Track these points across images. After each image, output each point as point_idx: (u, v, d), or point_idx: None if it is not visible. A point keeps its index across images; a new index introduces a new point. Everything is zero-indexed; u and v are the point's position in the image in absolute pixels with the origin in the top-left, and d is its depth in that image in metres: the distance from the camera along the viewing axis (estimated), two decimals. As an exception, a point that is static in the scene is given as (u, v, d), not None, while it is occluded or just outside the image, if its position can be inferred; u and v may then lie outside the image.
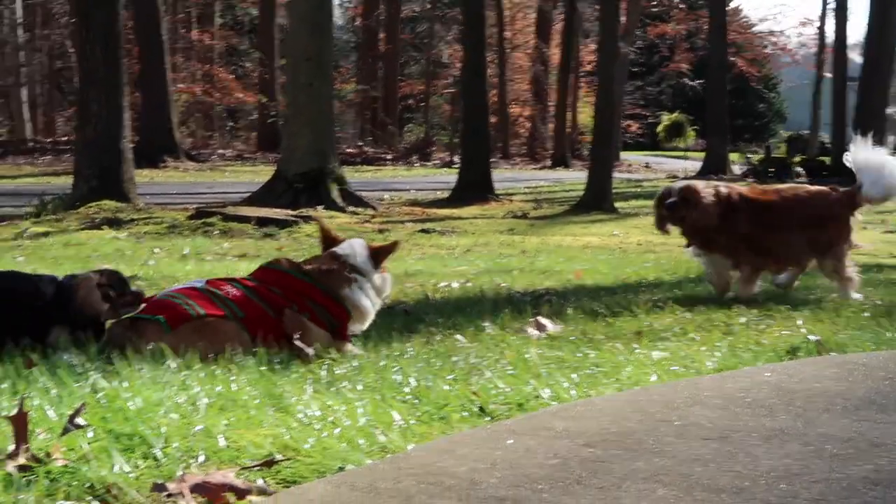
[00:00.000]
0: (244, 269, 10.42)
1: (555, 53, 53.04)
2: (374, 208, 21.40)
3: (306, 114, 20.97)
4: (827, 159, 41.04)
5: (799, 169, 38.40)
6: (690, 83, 53.63)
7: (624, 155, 52.57)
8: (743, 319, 6.49)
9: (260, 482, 2.95)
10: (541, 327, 6.18)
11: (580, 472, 2.63)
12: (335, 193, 20.91)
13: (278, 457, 3.15)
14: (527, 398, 4.02)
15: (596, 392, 4.11)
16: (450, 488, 2.54)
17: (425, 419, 3.75)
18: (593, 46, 52.49)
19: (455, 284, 8.99)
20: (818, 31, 52.06)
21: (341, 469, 2.99)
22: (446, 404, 3.92)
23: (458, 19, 48.09)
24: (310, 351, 4.99)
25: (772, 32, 61.77)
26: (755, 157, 42.65)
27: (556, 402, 3.90)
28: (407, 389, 4.17)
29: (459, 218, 21.20)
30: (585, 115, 53.22)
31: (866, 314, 6.68)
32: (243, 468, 3.06)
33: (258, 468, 3.06)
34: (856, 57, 45.68)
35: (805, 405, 3.23)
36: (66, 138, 44.19)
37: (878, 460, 2.68)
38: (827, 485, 2.51)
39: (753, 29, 61.87)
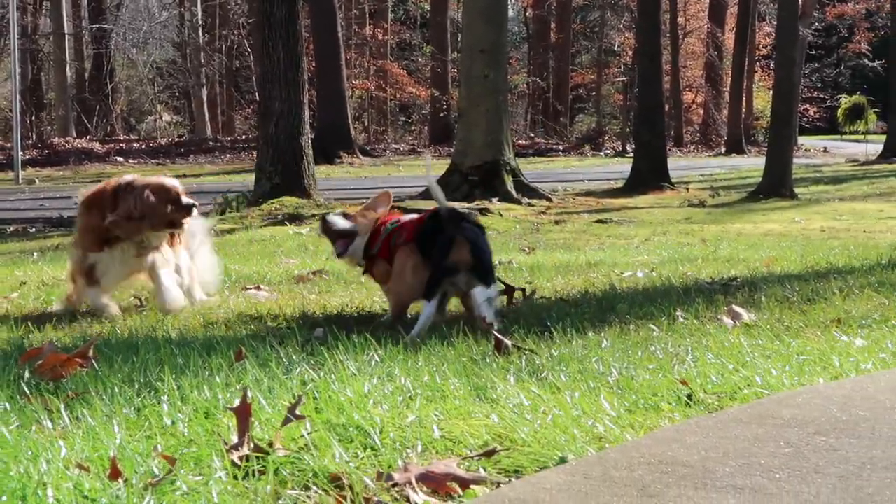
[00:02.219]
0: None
1: (729, 38, 52.14)
2: (549, 199, 21.35)
3: (481, 106, 21.04)
4: None
5: None
6: (871, 64, 52.10)
7: (801, 139, 51.37)
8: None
9: (482, 472, 2.95)
10: (735, 316, 6.07)
11: (816, 460, 2.57)
12: (510, 185, 20.93)
13: (497, 447, 3.15)
14: (738, 387, 3.95)
15: (806, 380, 4.02)
16: (685, 476, 2.50)
17: (633, 408, 3.71)
18: (769, 29, 51.56)
19: (640, 274, 8.89)
20: None
21: (563, 459, 2.97)
22: (655, 393, 3.88)
23: (629, 7, 47.73)
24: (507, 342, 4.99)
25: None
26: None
27: (767, 390, 3.82)
28: (611, 379, 4.14)
29: (635, 207, 21.04)
30: (761, 100, 52.26)
31: None
32: (464, 458, 3.07)
33: (478, 458, 3.06)
34: None
35: None
36: (244, 136, 45.25)
37: None
38: None
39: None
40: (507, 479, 2.88)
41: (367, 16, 54.58)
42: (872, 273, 8.44)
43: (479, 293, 5.66)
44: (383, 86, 51.83)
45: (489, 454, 3.07)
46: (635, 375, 4.18)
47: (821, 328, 5.59)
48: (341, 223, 6.33)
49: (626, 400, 3.81)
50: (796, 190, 23.95)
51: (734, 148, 46.23)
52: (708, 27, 53.40)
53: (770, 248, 12.58)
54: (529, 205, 20.37)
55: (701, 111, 54.77)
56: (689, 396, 3.86)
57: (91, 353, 4.48)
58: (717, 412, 3.39)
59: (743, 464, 2.59)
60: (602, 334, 5.41)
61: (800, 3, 41.29)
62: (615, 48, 56.25)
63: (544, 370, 4.32)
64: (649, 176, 25.27)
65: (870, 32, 53.51)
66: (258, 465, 2.93)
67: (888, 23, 41.57)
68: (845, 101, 53.69)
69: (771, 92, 27.76)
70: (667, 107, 47.18)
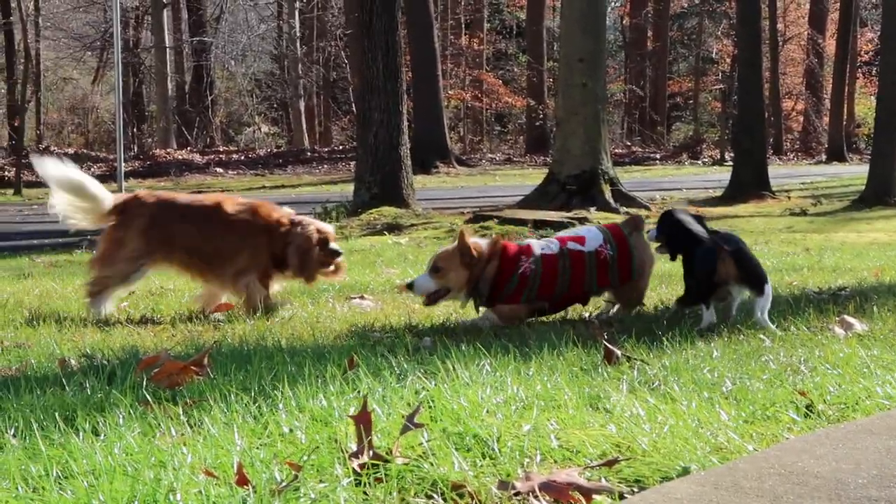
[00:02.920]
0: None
1: (829, 44, 51.40)
2: (647, 208, 21.19)
3: (579, 115, 20.98)
4: None
5: None
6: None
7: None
8: None
9: (603, 482, 2.93)
10: (847, 326, 5.97)
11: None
12: (608, 194, 20.82)
13: (619, 456, 3.13)
14: (858, 398, 3.89)
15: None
16: (817, 488, 2.46)
17: (751, 419, 3.67)
18: (871, 35, 50.74)
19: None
20: None
21: (686, 469, 2.94)
22: (773, 403, 3.83)
23: (727, 14, 47.28)
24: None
25: None
26: None
27: (887, 401, 3.75)
28: (724, 389, 4.09)
29: (736, 216, 20.81)
30: (862, 106, 51.41)
31: None
32: (585, 468, 3.05)
33: (599, 467, 3.04)
34: None
35: None
36: (341, 147, 45.60)
37: None
38: None
39: None
40: (629, 490, 2.86)
41: (463, 26, 54.72)
42: None
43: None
44: (479, 95, 51.90)
45: (610, 464, 3.04)
46: (749, 386, 4.13)
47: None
48: None
49: (743, 410, 3.77)
50: (905, 198, 23.51)
51: (835, 156, 45.53)
52: (808, 33, 52.70)
53: (876, 257, 12.36)
54: (627, 214, 20.22)
55: (801, 118, 54.05)
56: (808, 407, 3.80)
57: (206, 361, 4.53)
58: (846, 423, 3.33)
59: (876, 475, 2.54)
60: (712, 344, 5.35)
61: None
62: (713, 55, 55.76)
63: (657, 380, 4.29)
64: (749, 184, 24.98)
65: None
66: (378, 472, 2.94)
67: None
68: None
69: (874, 98, 27.25)
70: (766, 114, 46.78)
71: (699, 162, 44.65)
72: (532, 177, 29.75)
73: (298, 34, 48.34)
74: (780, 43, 50.96)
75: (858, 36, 49.28)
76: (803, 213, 21.62)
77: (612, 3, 59.03)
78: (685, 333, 5.63)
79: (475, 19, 54.92)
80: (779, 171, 36.59)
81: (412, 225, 17.40)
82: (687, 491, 2.60)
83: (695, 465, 2.98)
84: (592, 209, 19.88)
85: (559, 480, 2.82)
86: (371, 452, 3.06)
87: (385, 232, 16.91)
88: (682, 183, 31.96)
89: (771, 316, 6.23)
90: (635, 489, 2.86)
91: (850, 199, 23.88)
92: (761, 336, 5.60)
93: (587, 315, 6.80)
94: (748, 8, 26.04)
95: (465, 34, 54.10)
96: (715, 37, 54.94)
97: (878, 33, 29.25)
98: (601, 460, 3.08)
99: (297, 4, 47.64)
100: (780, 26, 51.31)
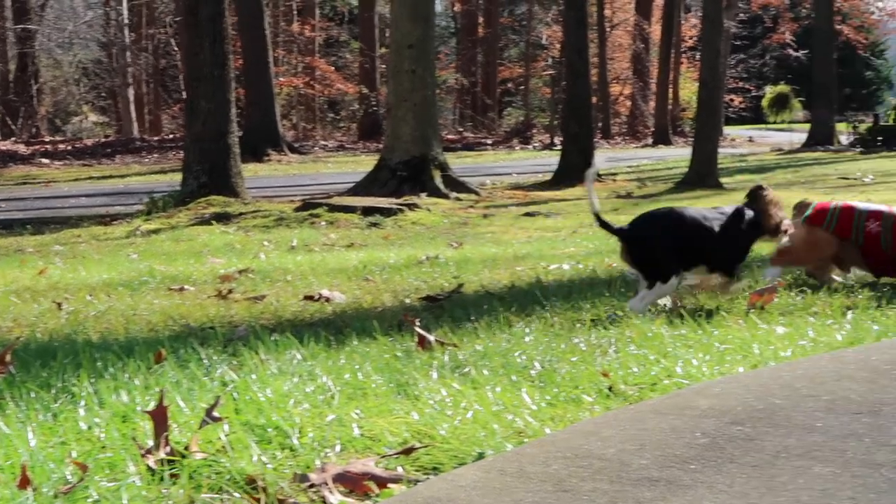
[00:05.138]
0: (354, 258, 10.50)
1: (655, 29, 52.51)
2: (476, 193, 21.38)
3: (409, 101, 21.04)
4: (939, 125, 40.09)
5: (911, 136, 37.56)
6: (795, 54, 52.69)
7: (727, 129, 51.88)
8: (861, 296, 6.32)
9: (399, 470, 2.92)
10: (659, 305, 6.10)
11: (731, 450, 2.57)
12: (438, 180, 20.94)
13: (416, 444, 3.13)
14: (658, 378, 3.96)
15: (726, 369, 4.03)
16: (600, 470, 2.49)
17: (555, 402, 3.70)
18: (694, 21, 51.93)
19: (566, 266, 8.90)
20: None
21: (481, 455, 2.95)
22: (576, 386, 3.87)
23: (556, 0, 47.87)
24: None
25: (879, -3, 60.49)
26: (863, 127, 41.78)
27: (688, 380, 3.83)
28: (533, 372, 4.13)
29: (563, 200, 21.12)
30: (687, 91, 52.63)
31: None
32: (382, 456, 3.04)
33: (396, 456, 3.03)
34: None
35: (956, 377, 3.13)
36: (171, 136, 44.85)
37: None
38: None
39: (859, -5, 60.63)
40: (425, 477, 2.86)
41: (295, 13, 54.28)
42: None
43: None
44: (311, 82, 51.55)
45: (407, 452, 3.04)
46: (558, 368, 4.17)
47: (742, 316, 5.61)
48: None
49: (547, 393, 3.80)
50: (722, 179, 24.17)
51: (661, 139, 46.57)
52: (635, 19, 53.73)
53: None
54: (458, 199, 20.38)
55: (628, 103, 55.12)
56: (611, 388, 3.85)
57: (8, 358, 4.40)
58: (637, 404, 3.38)
59: (659, 455, 2.58)
60: (527, 328, 5.40)
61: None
62: (543, 42, 56.42)
63: (468, 365, 4.30)
64: (577, 168, 25.22)
65: (794, 22, 54.09)
66: (175, 469, 2.88)
67: (811, 13, 42.03)
68: (770, 90, 54.38)
69: (697, 83, 27.97)
70: (594, 99, 47.50)
71: (530, 147, 45.16)
72: (365, 163, 29.71)
73: (127, 21, 47.32)
74: (608, 29, 51.87)
75: (683, 21, 50.38)
76: (629, 195, 22.06)
77: (444, -11, 59.38)
78: (501, 318, 5.67)
79: (307, 6, 54.49)
80: (607, 155, 37.31)
81: (241, 214, 17.20)
82: (472, 477, 2.61)
83: (491, 450, 3.00)
84: (423, 195, 19.98)
85: (354, 471, 2.80)
86: (168, 448, 3.00)
87: (213, 221, 16.67)
88: (513, 168, 32.28)
89: (586, 297, 6.34)
90: (432, 477, 2.86)
91: (673, 182, 24.46)
92: (576, 318, 5.68)
93: (408, 300, 6.82)
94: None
95: (297, 21, 53.66)
96: (545, 23, 55.58)
97: (701, 18, 29.95)
98: (400, 448, 3.07)
99: (125, -9, 46.70)
100: (607, 12, 52.20)
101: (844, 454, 2.51)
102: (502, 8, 56.94)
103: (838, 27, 47.77)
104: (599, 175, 25.63)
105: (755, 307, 5.90)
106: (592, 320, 5.62)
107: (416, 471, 2.95)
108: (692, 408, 3.01)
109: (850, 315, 5.49)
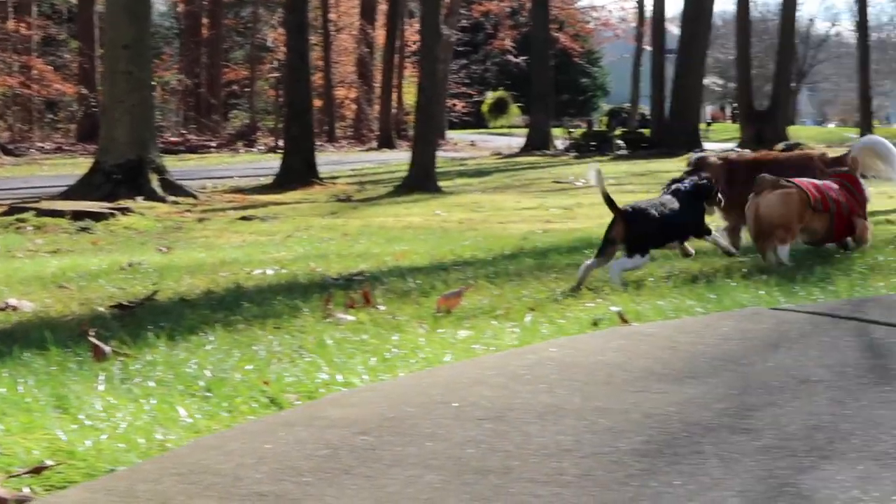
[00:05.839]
0: (54, 264, 10.15)
1: (380, 34, 52.89)
2: (194, 197, 21.06)
3: (125, 103, 20.55)
4: (647, 131, 41.89)
5: (619, 142, 39.07)
6: (515, 60, 53.97)
7: (450, 134, 52.77)
8: (551, 293, 6.51)
9: (26, 490, 2.81)
10: (350, 311, 6.12)
11: (349, 461, 2.57)
12: (155, 183, 20.54)
13: (49, 462, 3.01)
14: (318, 386, 3.94)
15: (391, 375, 4.06)
16: (210, 486, 2.45)
17: (213, 413, 3.64)
18: (418, 26, 52.57)
19: (269, 271, 8.86)
20: (637, 5, 53.17)
21: (112, 471, 2.86)
22: (237, 396, 3.83)
23: (281, 2, 47.61)
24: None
25: (593, 7, 62.52)
26: (577, 132, 43.29)
27: (346, 388, 3.83)
28: (201, 383, 4.05)
29: (282, 203, 21.03)
30: (411, 95, 53.19)
31: (669, 283, 6.75)
32: (11, 476, 2.92)
33: (27, 475, 2.91)
34: (674, 28, 46.73)
35: (586, 379, 3.23)
36: None
37: (649, 431, 2.69)
38: (596, 459, 2.50)
39: (576, 5, 62.55)
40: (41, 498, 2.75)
41: (11, 9, 52.12)
42: (493, 264, 8.69)
43: None
44: (28, 83, 49.61)
45: (38, 470, 2.93)
46: (229, 378, 4.11)
47: (430, 320, 5.67)
48: None
49: (208, 404, 3.74)
50: (442, 183, 24.53)
51: (385, 142, 46.96)
52: (359, 24, 54.00)
53: (408, 241, 12.80)
54: (175, 203, 20.03)
55: (354, 107, 55.34)
56: (272, 399, 3.82)
57: None
58: (271, 415, 3.36)
59: (275, 468, 2.56)
60: (211, 335, 5.32)
61: (447, 0, 42.34)
62: (269, 44, 56.03)
63: (138, 376, 4.20)
64: (299, 171, 25.32)
65: (513, 30, 55.35)
66: None
67: (530, 20, 43.19)
68: (490, 96, 55.63)
69: (418, 88, 28.34)
70: (320, 102, 47.46)
71: (254, 150, 44.81)
72: (84, 166, 28.73)
73: None
74: (333, 32, 51.99)
75: (407, 27, 50.94)
76: (348, 198, 22.15)
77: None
78: (191, 326, 5.58)
79: (23, 3, 52.44)
80: (331, 158, 37.35)
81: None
82: (75, 498, 2.53)
83: (123, 466, 2.92)
84: (139, 198, 19.56)
85: (-24, 493, 2.68)
86: None
87: None
88: (236, 170, 31.94)
89: (281, 303, 6.31)
90: (36, 499, 2.75)
91: (394, 185, 24.66)
92: (263, 324, 5.63)
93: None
94: (294, -3, 26.40)
95: (13, 18, 51.55)
96: (271, 25, 55.23)
97: (420, 25, 30.39)
98: (33, 467, 2.96)
99: None
100: (332, 16, 52.31)
101: (459, 461, 2.55)
102: (227, 9, 56.29)
103: (555, 35, 49.26)
104: (320, 178, 25.64)
105: (441, 311, 5.99)
106: (276, 327, 5.58)
107: (46, 491, 2.84)
108: (323, 418, 3.00)
109: (528, 317, 5.62)
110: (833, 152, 9.30)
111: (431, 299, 6.49)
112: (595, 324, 5.32)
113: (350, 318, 5.92)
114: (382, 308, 6.24)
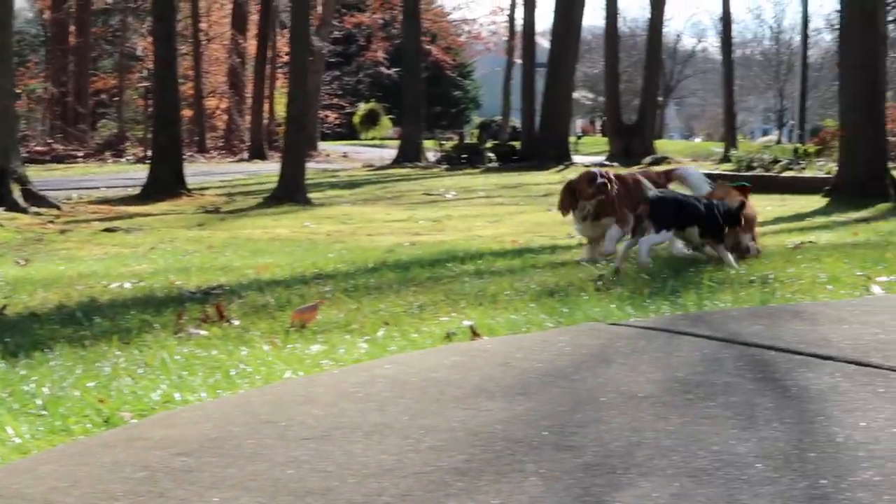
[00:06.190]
0: None
1: (252, 44, 52.43)
2: (58, 208, 20.64)
3: (-15, 112, 20.07)
4: (517, 144, 42.20)
5: (491, 154, 39.32)
6: (387, 72, 53.98)
7: (323, 145, 52.51)
8: (408, 307, 6.51)
9: None
10: (204, 326, 6.04)
11: (166, 483, 2.53)
12: (17, 194, 20.06)
13: None
14: (155, 404, 3.88)
15: (232, 392, 4.01)
16: (18, 511, 2.39)
17: (47, 433, 3.56)
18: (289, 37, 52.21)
19: (127, 285, 8.71)
20: (508, 19, 53.59)
21: None
22: (71, 415, 3.74)
23: (150, 11, 46.97)
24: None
25: (465, 21, 62.80)
26: (449, 144, 43.45)
27: (182, 406, 3.77)
28: (38, 401, 3.96)
29: (149, 215, 20.72)
30: (282, 106, 52.86)
31: (525, 297, 6.80)
32: None
33: None
34: (545, 42, 47.20)
35: (417, 396, 3.23)
36: None
37: (472, 449, 2.70)
38: (416, 479, 2.50)
39: (448, 18, 62.78)
40: None
41: None
42: (354, 277, 8.66)
43: None
44: None
45: None
46: (67, 396, 4.02)
47: (282, 335, 5.63)
48: None
49: (43, 423, 3.65)
50: (312, 194, 24.40)
51: (257, 153, 46.56)
52: (231, 34, 53.50)
53: (273, 253, 12.70)
54: (38, 214, 19.61)
55: (225, 117, 54.78)
56: (107, 418, 3.75)
57: None
58: (93, 436, 3.29)
59: (88, 493, 2.50)
60: (57, 351, 5.21)
61: (317, 11, 42.27)
62: (138, 53, 55.19)
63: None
64: (167, 182, 24.94)
65: (386, 42, 55.30)
66: None
67: (402, 33, 43.24)
68: (362, 107, 55.58)
69: (288, 98, 28.16)
70: (190, 112, 46.92)
71: (123, 160, 44.05)
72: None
73: None
74: (204, 42, 51.47)
75: (279, 37, 50.61)
76: (217, 210, 21.90)
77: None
78: (31, 342, 5.46)
79: None
80: (201, 169, 36.89)
81: None
82: None
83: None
84: (0, 209, 19.09)
85: None
86: None
87: None
88: (103, 181, 31.34)
89: (135, 317, 6.21)
90: None
91: (264, 196, 24.46)
92: (112, 340, 5.53)
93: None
94: (163, 5, 26.04)
95: None
96: (140, 34, 54.41)
97: (290, 35, 30.21)
98: None
99: None
100: (203, 25, 51.76)
101: (278, 482, 2.52)
102: (95, 17, 55.29)
103: (427, 48, 49.39)
104: (189, 190, 25.32)
105: (295, 325, 5.95)
106: (125, 342, 5.49)
107: None
108: (145, 439, 2.96)
109: (381, 332, 5.61)
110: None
111: (287, 313, 6.45)
112: (448, 338, 5.33)
113: (203, 332, 5.84)
114: (236, 323, 6.19)
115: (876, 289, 6.30)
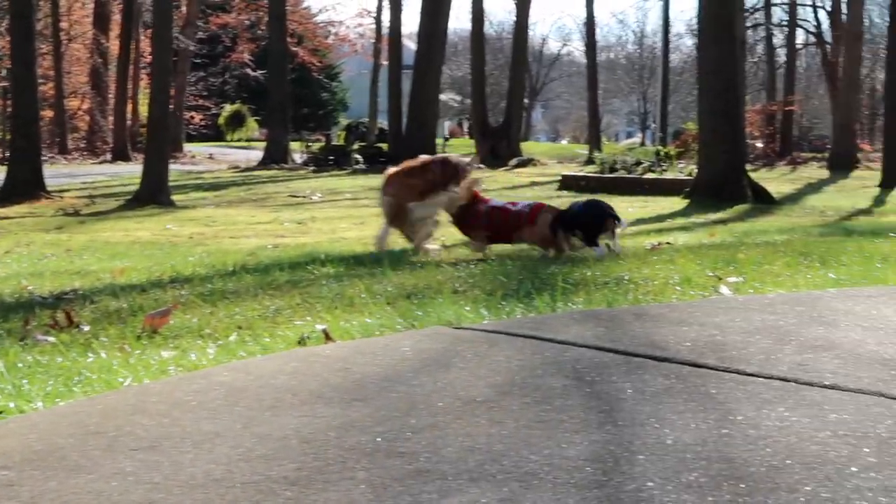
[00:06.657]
0: None
1: (114, 45, 51.57)
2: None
3: None
4: (385, 146, 42.24)
5: (358, 156, 39.29)
6: (253, 73, 53.57)
7: (188, 146, 51.97)
8: (264, 311, 6.44)
9: None
10: (52, 332, 5.91)
11: (-13, 498, 2.46)
12: None
13: None
14: (-9, 418, 3.77)
15: (66, 401, 3.91)
16: None
17: None
18: (152, 37, 51.48)
19: (-28, 291, 8.49)
20: (375, 21, 53.55)
21: None
22: None
23: (2, 9, 45.93)
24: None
25: (331, 23, 62.64)
26: (316, 146, 43.33)
27: (16, 415, 3.67)
28: None
29: (5, 217, 20.30)
30: (146, 107, 52.17)
31: (381, 299, 6.77)
32: None
33: None
34: (411, 45, 47.31)
35: (253, 404, 3.18)
36: None
37: (303, 458, 2.67)
38: (244, 489, 2.47)
39: (314, 20, 62.52)
40: None
41: None
42: (212, 281, 8.55)
43: None
44: None
45: None
46: None
47: (132, 341, 5.53)
48: None
49: None
50: (176, 196, 24.15)
51: (120, 155, 45.86)
52: (93, 33, 52.54)
53: (132, 257, 12.52)
54: None
55: (87, 118, 53.79)
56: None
57: None
58: None
59: None
60: None
61: (182, 11, 41.78)
62: (-4, 52, 53.94)
63: None
64: (25, 184, 24.49)
65: (252, 43, 54.86)
66: None
67: (268, 34, 42.93)
68: (227, 109, 55.09)
69: (151, 99, 27.82)
70: (51, 113, 45.97)
71: (-21, 162, 43.07)
72: None
73: None
74: (65, 41, 50.49)
75: (144, 37, 49.89)
76: (76, 213, 21.54)
77: None
78: None
79: None
80: (62, 171, 36.27)
81: None
82: None
83: None
84: None
85: None
86: None
87: None
88: (-41, 184, 30.57)
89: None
90: None
91: (125, 199, 24.12)
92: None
93: None
94: (21, 2, 25.51)
95: None
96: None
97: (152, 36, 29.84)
98: None
99: None
100: (64, 24, 50.76)
101: (101, 495, 2.45)
102: (-48, 15, 53.92)
103: (294, 49, 49.14)
104: (48, 192, 24.84)
105: (147, 330, 5.85)
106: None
107: None
108: (-40, 452, 2.87)
109: (233, 336, 5.55)
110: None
111: (140, 318, 6.34)
112: (301, 342, 5.29)
113: (51, 339, 5.71)
114: (86, 328, 6.06)
115: (724, 289, 6.41)
